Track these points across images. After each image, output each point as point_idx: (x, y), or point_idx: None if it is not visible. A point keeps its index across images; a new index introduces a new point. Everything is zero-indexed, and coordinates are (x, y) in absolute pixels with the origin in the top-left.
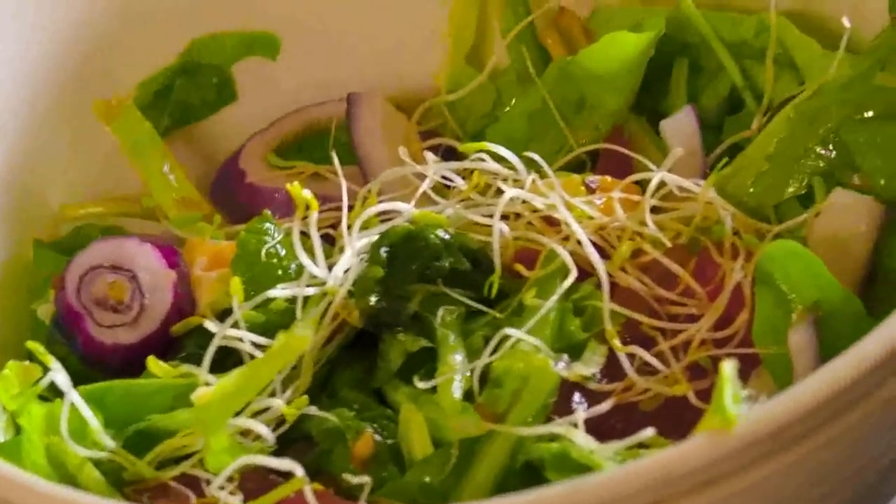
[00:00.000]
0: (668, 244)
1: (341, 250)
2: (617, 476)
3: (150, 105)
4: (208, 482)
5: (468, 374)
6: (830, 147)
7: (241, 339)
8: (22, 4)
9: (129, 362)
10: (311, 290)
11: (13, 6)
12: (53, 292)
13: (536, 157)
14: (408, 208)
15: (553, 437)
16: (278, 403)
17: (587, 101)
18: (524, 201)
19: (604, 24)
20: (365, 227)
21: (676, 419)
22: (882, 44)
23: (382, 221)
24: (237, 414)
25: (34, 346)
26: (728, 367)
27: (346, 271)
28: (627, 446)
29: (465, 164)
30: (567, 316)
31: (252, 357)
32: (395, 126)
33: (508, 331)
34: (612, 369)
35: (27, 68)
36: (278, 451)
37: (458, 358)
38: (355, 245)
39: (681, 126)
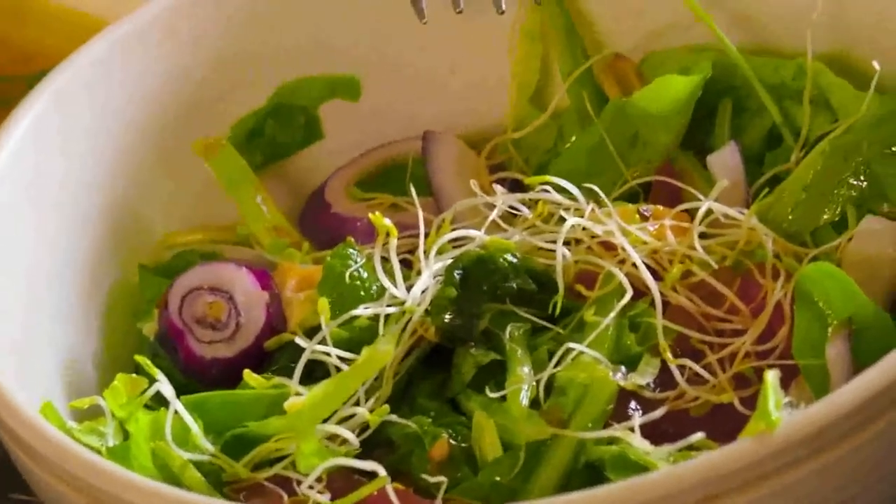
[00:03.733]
0: (715, 266)
1: (418, 273)
2: (671, 475)
3: (244, 143)
4: (299, 482)
5: (535, 384)
6: (862, 178)
7: (328, 354)
8: (127, 56)
9: (226, 375)
10: (391, 309)
11: (119, 59)
12: (157, 311)
13: (595, 188)
14: (479, 235)
15: (612, 441)
16: (362, 411)
17: (640, 138)
18: (584, 228)
19: (655, 67)
20: (440, 252)
21: (723, 424)
22: None
23: (455, 247)
24: (325, 421)
25: (141, 359)
26: (771, 376)
27: (423, 292)
28: (679, 448)
29: (531, 195)
30: (624, 331)
31: (338, 370)
32: (466, 161)
33: (571, 345)
34: (664, 379)
35: (132, 113)
36: (362, 455)
37: (526, 370)
38: (431, 268)
39: (726, 160)
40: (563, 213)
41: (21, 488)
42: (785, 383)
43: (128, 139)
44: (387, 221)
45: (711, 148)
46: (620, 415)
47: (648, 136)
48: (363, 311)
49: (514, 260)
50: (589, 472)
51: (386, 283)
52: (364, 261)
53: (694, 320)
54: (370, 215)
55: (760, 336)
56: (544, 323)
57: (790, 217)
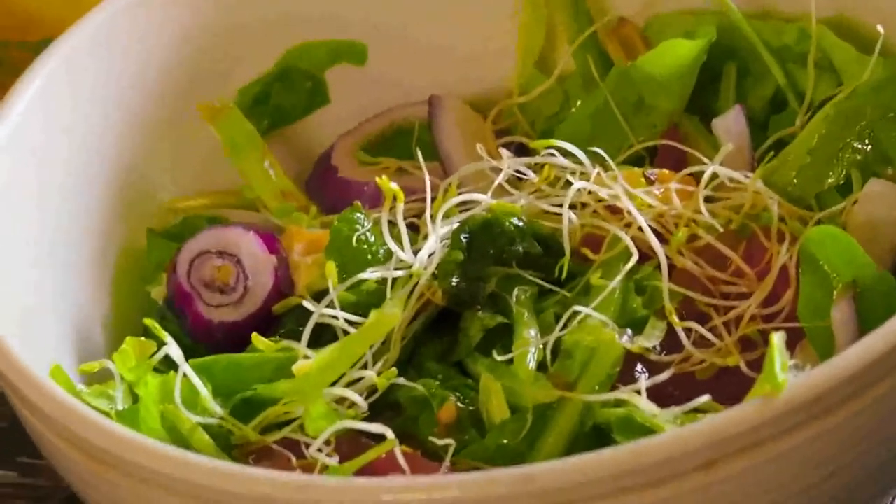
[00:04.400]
0: (721, 230)
1: (425, 237)
2: (677, 437)
3: (250, 108)
4: (307, 445)
5: (541, 347)
6: (866, 142)
7: (335, 317)
8: (132, 22)
9: (234, 338)
10: (398, 273)
11: (125, 25)
12: (166, 276)
13: (601, 151)
14: (485, 199)
15: (618, 403)
16: (370, 374)
17: (645, 103)
18: (590, 192)
19: (660, 32)
20: (446, 216)
21: (729, 387)
22: None
23: (462, 211)
24: (333, 384)
25: (150, 322)
26: (777, 339)
27: (430, 256)
28: (685, 411)
29: (537, 158)
30: (630, 294)
31: (346, 333)
32: (472, 126)
33: (577, 308)
34: (670, 342)
35: (139, 79)
36: (370, 418)
37: (532, 333)
38: (438, 232)
39: (731, 124)
40: (569, 176)
41: (28, 452)
42: (790, 346)
43: (134, 104)
44: (394, 185)
45: (716, 112)
46: (627, 378)
47: (653, 100)
48: (370, 274)
49: (521, 223)
50: (596, 435)
51: (393, 246)
52: (371, 225)
53: (699, 283)
54: (377, 179)
55: (766, 299)
56: (551, 286)
57: (795, 181)
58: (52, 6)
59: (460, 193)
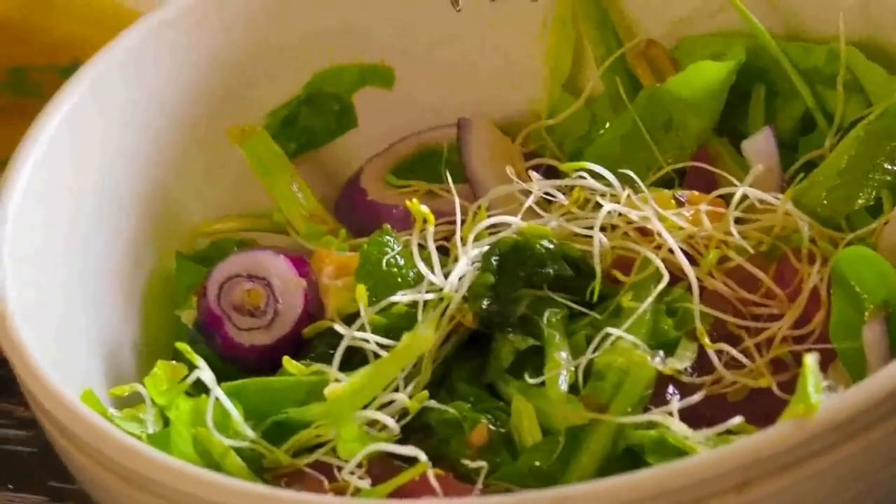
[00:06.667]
0: (751, 251)
1: (455, 260)
2: (711, 458)
3: (279, 131)
4: (339, 468)
5: (573, 369)
6: None
7: (367, 340)
8: (161, 45)
9: (264, 361)
10: (429, 296)
11: (154, 48)
12: (196, 299)
13: (631, 173)
14: (516, 221)
15: (651, 425)
16: (402, 397)
17: (674, 124)
18: (620, 214)
19: (688, 53)
20: (477, 238)
21: (761, 409)
22: None
23: (492, 234)
24: (365, 407)
25: (182, 346)
26: (811, 360)
27: (460, 278)
28: (718, 433)
29: (567, 181)
30: (661, 316)
31: (377, 356)
32: (501, 148)
33: (609, 330)
34: (702, 364)
35: (168, 102)
36: (402, 441)
37: (564, 355)
38: (469, 255)
39: (760, 145)
40: (599, 199)
41: (58, 476)
42: (822, 367)
43: (164, 128)
44: (424, 208)
45: (745, 133)
46: (659, 399)
47: (682, 121)
48: (401, 297)
49: (551, 246)
50: (628, 457)
51: (423, 269)
52: (401, 248)
53: (730, 305)
54: (407, 202)
55: (797, 320)
56: (581, 308)
57: (825, 202)
58: (79, 29)
59: (490, 216)
